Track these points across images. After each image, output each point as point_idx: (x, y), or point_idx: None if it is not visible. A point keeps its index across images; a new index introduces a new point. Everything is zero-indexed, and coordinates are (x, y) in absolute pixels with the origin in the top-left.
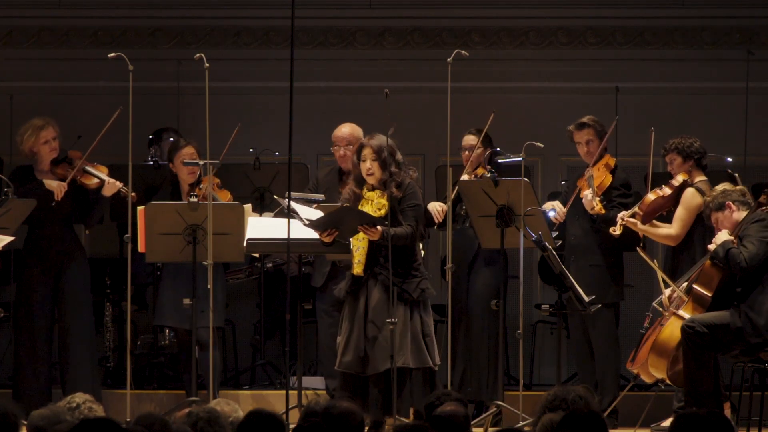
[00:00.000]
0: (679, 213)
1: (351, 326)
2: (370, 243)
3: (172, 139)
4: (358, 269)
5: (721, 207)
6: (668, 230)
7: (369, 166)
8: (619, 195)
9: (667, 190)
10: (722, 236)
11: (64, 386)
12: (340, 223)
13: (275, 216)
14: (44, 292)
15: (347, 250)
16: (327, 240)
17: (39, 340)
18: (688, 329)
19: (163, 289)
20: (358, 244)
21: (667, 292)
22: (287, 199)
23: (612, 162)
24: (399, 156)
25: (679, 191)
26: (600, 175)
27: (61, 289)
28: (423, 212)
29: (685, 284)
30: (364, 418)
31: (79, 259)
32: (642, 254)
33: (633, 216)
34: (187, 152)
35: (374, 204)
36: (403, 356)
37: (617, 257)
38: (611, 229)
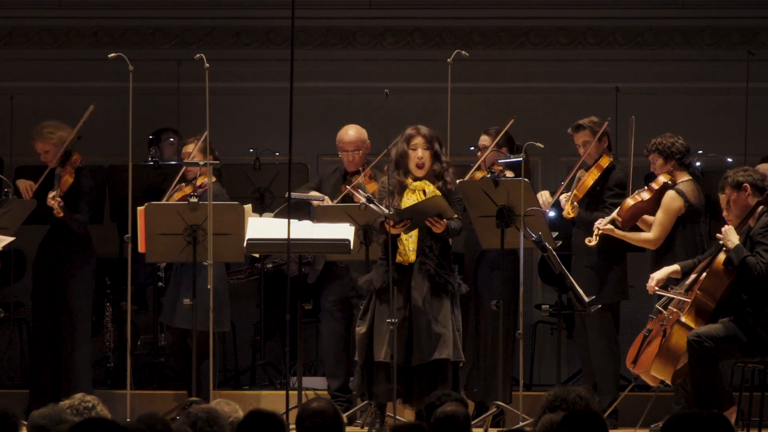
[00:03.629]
0: (659, 217)
1: (391, 317)
2: (420, 232)
3: (171, 139)
4: (412, 257)
5: (738, 186)
6: (647, 235)
7: (421, 155)
8: (612, 195)
9: (645, 195)
10: (733, 237)
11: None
12: (418, 213)
13: (275, 216)
14: (44, 293)
15: (347, 250)
16: (395, 231)
17: (40, 340)
18: (694, 344)
19: (169, 288)
20: (411, 232)
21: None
22: (288, 199)
23: (605, 163)
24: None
25: (660, 194)
26: (586, 176)
27: (60, 292)
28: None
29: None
30: (339, 415)
31: (80, 263)
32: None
33: (613, 222)
34: (186, 150)
35: (428, 194)
36: (447, 348)
37: (617, 259)
38: (587, 240)
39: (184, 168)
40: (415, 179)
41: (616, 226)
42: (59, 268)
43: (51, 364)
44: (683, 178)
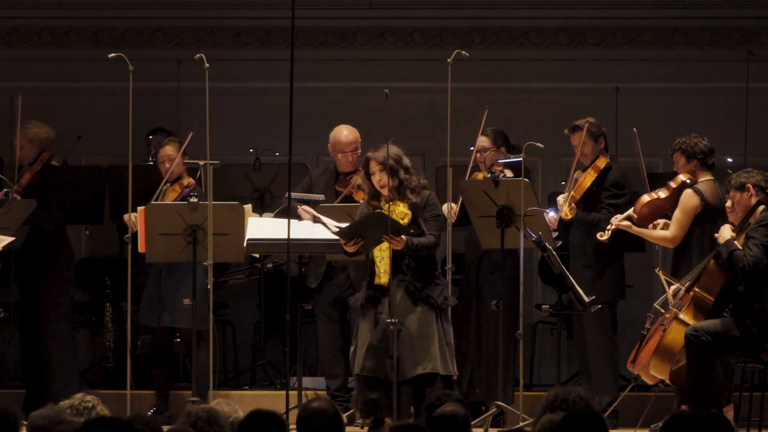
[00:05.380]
0: (676, 215)
1: (372, 330)
2: (393, 251)
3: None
4: (384, 279)
5: (742, 187)
6: (665, 233)
7: (379, 178)
8: (609, 196)
9: (662, 193)
10: (726, 233)
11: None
12: (367, 231)
13: (275, 216)
14: (24, 293)
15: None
16: (352, 250)
17: (25, 340)
18: (692, 338)
19: (148, 290)
20: (382, 254)
21: (671, 290)
22: (288, 200)
23: (602, 163)
24: (406, 161)
25: (677, 192)
26: (583, 177)
27: (36, 297)
28: (444, 222)
29: (688, 284)
30: (339, 415)
31: (53, 262)
32: (661, 275)
33: (629, 219)
34: (165, 152)
35: (396, 214)
36: (432, 362)
37: (613, 258)
38: (598, 235)
39: (172, 169)
40: (388, 201)
41: (634, 223)
42: (34, 268)
43: (36, 364)
44: (705, 178)
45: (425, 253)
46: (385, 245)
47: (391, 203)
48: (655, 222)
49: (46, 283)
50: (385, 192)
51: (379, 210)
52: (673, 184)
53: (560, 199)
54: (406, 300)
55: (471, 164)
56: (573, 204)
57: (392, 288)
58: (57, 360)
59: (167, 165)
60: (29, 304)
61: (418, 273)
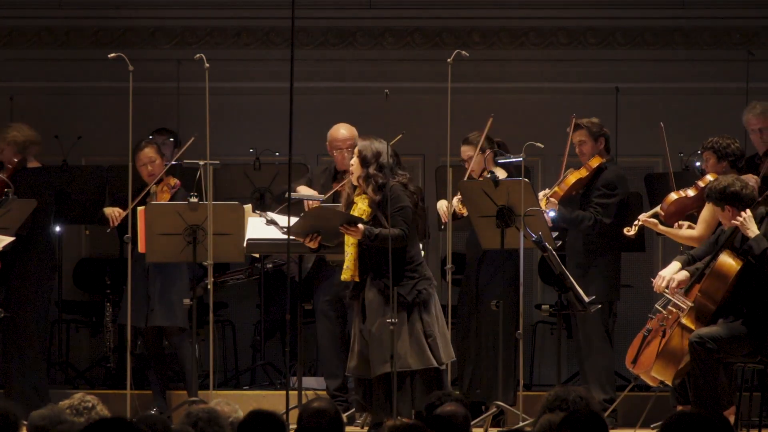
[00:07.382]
0: (703, 214)
1: (354, 331)
2: (360, 247)
3: (171, 139)
4: (345, 275)
5: (722, 207)
6: (691, 232)
7: (352, 162)
8: (599, 195)
9: (690, 192)
10: (753, 227)
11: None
12: (318, 226)
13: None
14: (6, 294)
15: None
16: (312, 246)
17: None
18: (697, 345)
19: (135, 289)
20: (348, 249)
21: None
22: (287, 199)
23: (594, 163)
24: (384, 159)
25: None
26: (572, 175)
27: (9, 297)
28: (410, 212)
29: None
30: (339, 415)
31: (30, 268)
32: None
33: (656, 216)
34: (146, 155)
35: (358, 208)
36: (400, 359)
37: (609, 258)
38: (625, 230)
39: (162, 172)
40: (360, 194)
41: (660, 221)
42: (13, 268)
43: (7, 363)
44: None
45: (393, 246)
46: (352, 239)
47: (359, 197)
48: (680, 222)
49: (21, 283)
50: (353, 178)
51: (347, 203)
52: (701, 184)
53: (540, 194)
54: (378, 298)
55: (482, 170)
56: (553, 200)
57: (367, 286)
58: (22, 361)
59: (149, 168)
60: (9, 304)
61: (388, 270)
